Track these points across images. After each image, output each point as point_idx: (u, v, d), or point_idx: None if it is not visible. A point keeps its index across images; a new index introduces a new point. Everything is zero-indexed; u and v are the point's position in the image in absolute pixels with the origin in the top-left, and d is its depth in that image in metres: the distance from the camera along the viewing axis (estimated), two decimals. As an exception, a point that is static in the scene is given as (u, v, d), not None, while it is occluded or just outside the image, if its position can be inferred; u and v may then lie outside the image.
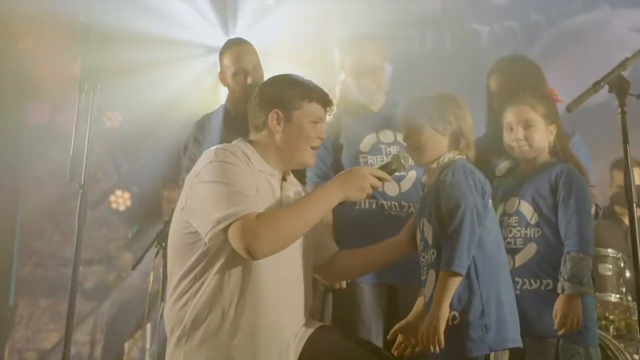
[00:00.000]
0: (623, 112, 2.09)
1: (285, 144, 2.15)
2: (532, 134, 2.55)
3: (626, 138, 2.08)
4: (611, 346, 3.18)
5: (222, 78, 3.18)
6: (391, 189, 2.77)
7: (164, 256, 3.57)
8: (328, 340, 2.11)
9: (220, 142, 2.26)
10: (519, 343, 2.13)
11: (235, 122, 2.86)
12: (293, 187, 2.23)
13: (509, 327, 2.09)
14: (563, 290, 2.33)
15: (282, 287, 2.07)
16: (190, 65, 5.34)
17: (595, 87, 2.10)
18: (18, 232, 6.39)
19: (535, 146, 2.56)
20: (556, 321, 2.33)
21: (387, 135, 2.82)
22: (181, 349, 2.02)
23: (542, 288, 2.42)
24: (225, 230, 1.94)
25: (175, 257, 2.10)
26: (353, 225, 2.71)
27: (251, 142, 2.18)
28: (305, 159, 2.18)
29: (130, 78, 4.94)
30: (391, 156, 2.23)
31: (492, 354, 2.04)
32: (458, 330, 2.04)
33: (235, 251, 1.97)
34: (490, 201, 2.21)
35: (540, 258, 2.44)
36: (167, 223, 3.65)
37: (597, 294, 3.38)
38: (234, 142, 2.18)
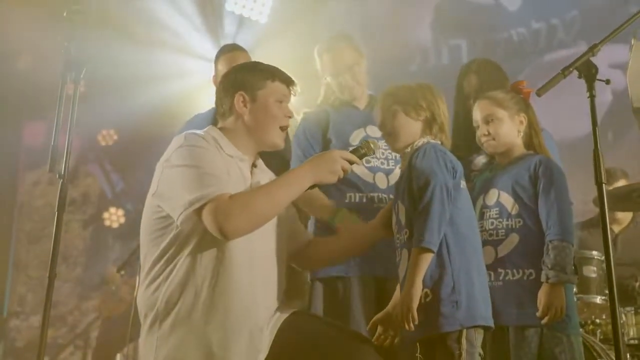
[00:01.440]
0: (592, 96, 2.12)
1: (253, 125, 2.17)
2: (496, 127, 2.56)
3: (595, 121, 2.11)
4: (597, 347, 3.17)
5: (216, 82, 3.23)
6: (381, 182, 2.80)
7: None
8: (302, 325, 2.12)
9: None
10: (489, 322, 2.13)
11: None
12: (263, 173, 2.25)
13: (479, 305, 2.09)
14: (547, 278, 2.34)
15: (256, 270, 2.07)
16: (180, 73, 5.42)
17: (565, 71, 2.14)
18: (12, 254, 6.40)
19: (501, 139, 2.57)
20: (540, 310, 2.34)
21: (374, 130, 2.84)
22: (154, 333, 2.02)
23: (525, 278, 2.42)
24: (197, 212, 1.95)
25: (147, 242, 2.11)
26: None
27: (220, 129, 2.21)
28: (274, 138, 2.20)
29: (119, 81, 5.00)
30: (361, 141, 2.26)
31: (464, 331, 2.04)
32: (430, 307, 2.05)
33: (207, 234, 1.98)
34: (463, 182, 2.23)
35: (522, 248, 2.45)
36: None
37: (582, 296, 3.40)
38: (204, 129, 2.20)
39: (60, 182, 2.41)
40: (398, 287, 2.26)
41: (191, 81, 5.43)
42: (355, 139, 2.84)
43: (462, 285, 2.07)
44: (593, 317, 3.47)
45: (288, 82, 2.23)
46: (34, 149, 6.71)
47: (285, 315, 2.11)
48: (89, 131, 6.10)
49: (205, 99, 5.03)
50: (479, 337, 2.09)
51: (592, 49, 2.15)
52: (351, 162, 2.16)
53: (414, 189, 2.13)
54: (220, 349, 1.98)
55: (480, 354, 2.09)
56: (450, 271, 2.07)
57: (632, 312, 3.43)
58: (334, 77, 2.92)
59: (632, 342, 3.41)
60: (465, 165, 2.75)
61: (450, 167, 2.14)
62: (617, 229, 4.29)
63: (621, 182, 4.24)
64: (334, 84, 2.93)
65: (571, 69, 2.14)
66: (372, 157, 2.74)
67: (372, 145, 2.24)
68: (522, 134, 2.60)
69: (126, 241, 5.84)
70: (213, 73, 3.36)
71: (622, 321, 3.42)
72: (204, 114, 3.26)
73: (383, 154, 2.78)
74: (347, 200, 2.76)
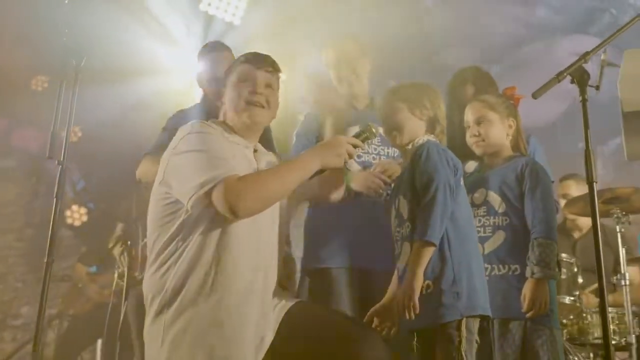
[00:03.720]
0: (584, 100, 2.24)
1: (226, 110, 2.24)
2: (487, 129, 2.69)
3: (587, 124, 2.22)
4: (566, 345, 3.30)
5: (199, 80, 3.24)
6: None
7: (129, 254, 3.56)
8: (310, 312, 2.18)
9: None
10: (488, 311, 2.22)
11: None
12: (264, 156, 2.29)
13: (479, 295, 2.18)
14: (532, 274, 2.45)
15: (260, 253, 2.13)
16: (151, 70, 5.36)
17: (559, 76, 2.25)
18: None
19: (491, 141, 2.70)
20: (525, 304, 2.45)
21: None
22: (162, 315, 2.04)
23: (510, 273, 2.54)
24: (207, 194, 1.99)
25: (156, 228, 2.13)
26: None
27: (220, 122, 2.26)
28: (242, 115, 2.20)
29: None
30: (363, 126, 2.31)
31: (464, 320, 2.12)
32: (431, 298, 2.12)
33: (215, 217, 2.02)
34: (462, 180, 2.32)
35: (508, 245, 2.57)
36: (134, 221, 3.66)
37: (551, 296, 3.54)
38: (208, 121, 2.24)
39: (59, 169, 2.43)
40: (394, 279, 2.34)
41: (160, 80, 5.38)
42: (351, 134, 2.89)
43: (463, 276, 2.16)
44: (561, 317, 3.60)
45: (253, 61, 2.27)
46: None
47: (290, 303, 2.16)
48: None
49: (174, 99, 5.02)
50: (475, 324, 2.18)
51: (585, 57, 2.27)
52: (355, 146, 2.22)
53: (418, 185, 2.21)
54: (228, 330, 2.01)
55: (477, 341, 2.17)
56: (451, 263, 2.15)
57: (597, 313, 3.58)
58: (336, 70, 2.98)
59: (596, 341, 3.56)
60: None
61: (452, 165, 2.23)
62: (577, 235, 4.46)
63: (572, 184, 4.41)
64: (334, 78, 2.99)
65: (565, 75, 2.26)
66: (364, 152, 2.81)
67: (373, 130, 2.29)
68: (510, 137, 2.72)
69: (89, 239, 5.75)
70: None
71: (587, 322, 3.58)
72: (186, 110, 3.26)
73: (375, 149, 2.85)
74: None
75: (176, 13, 5.34)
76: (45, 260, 2.32)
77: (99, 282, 4.88)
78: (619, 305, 3.66)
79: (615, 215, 3.43)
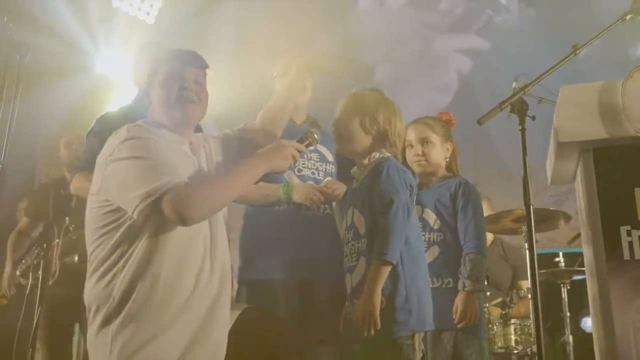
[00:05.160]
0: (523, 129, 2.42)
1: (158, 109, 2.20)
2: (430, 150, 2.86)
3: (525, 151, 2.40)
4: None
5: (136, 79, 3.16)
6: None
7: (44, 258, 3.41)
8: (258, 320, 2.21)
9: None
10: (432, 325, 2.34)
11: None
12: (201, 146, 2.26)
13: (427, 312, 2.29)
14: (464, 287, 2.61)
15: (210, 258, 2.11)
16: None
17: (501, 105, 2.42)
18: None
19: (432, 161, 2.87)
20: (457, 315, 2.61)
21: None
22: (109, 327, 1.97)
23: (444, 286, 2.70)
24: (154, 202, 1.95)
25: (97, 237, 2.05)
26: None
27: (154, 122, 2.20)
28: (177, 111, 2.17)
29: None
30: (304, 132, 2.33)
31: (416, 335, 2.23)
32: (384, 314, 2.19)
33: (161, 222, 1.98)
34: (414, 198, 2.43)
35: (442, 259, 2.73)
36: (49, 225, 3.51)
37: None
38: (139, 122, 2.18)
39: (-1, 168, 2.33)
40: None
41: (80, 79, 5.16)
42: None
43: (414, 294, 2.25)
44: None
45: (180, 58, 2.22)
46: None
47: (238, 312, 2.17)
48: None
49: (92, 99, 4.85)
50: (421, 335, 2.29)
51: (524, 89, 2.46)
52: (299, 151, 2.25)
53: (377, 204, 2.28)
54: (179, 333, 1.98)
55: (422, 351, 2.28)
56: (403, 281, 2.24)
57: (501, 324, 3.83)
58: (285, 77, 2.95)
59: (499, 350, 3.80)
60: None
61: (408, 184, 2.33)
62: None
63: (485, 204, 4.67)
64: (281, 85, 2.94)
65: (506, 104, 2.44)
66: (304, 167, 2.86)
67: (315, 136, 2.32)
68: (447, 159, 2.89)
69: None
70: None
71: (493, 332, 3.82)
72: (116, 112, 3.16)
73: (314, 165, 2.91)
74: (277, 207, 2.84)
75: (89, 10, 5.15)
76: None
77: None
78: (521, 316, 3.95)
79: (523, 234, 3.68)
